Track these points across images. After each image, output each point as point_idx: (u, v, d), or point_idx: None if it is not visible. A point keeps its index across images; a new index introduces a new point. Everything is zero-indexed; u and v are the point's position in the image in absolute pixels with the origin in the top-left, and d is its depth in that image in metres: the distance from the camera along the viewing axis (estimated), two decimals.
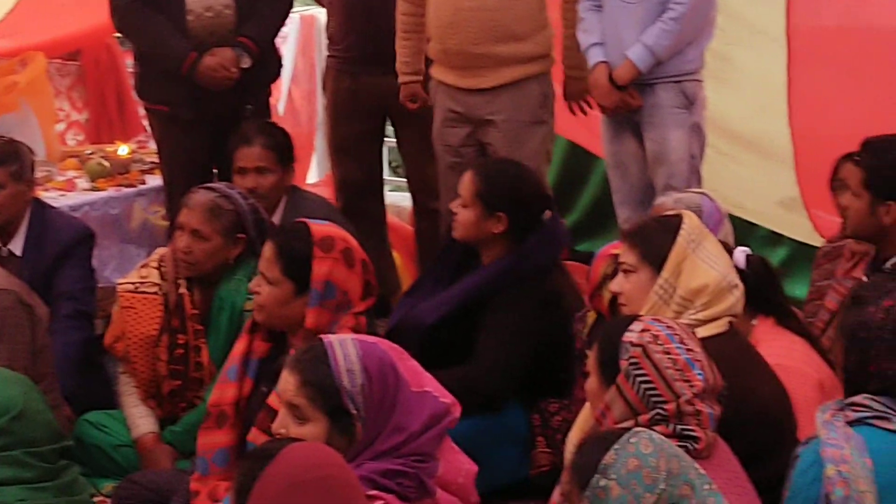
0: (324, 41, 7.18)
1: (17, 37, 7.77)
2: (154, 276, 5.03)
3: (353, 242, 4.29)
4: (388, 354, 3.40)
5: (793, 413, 3.93)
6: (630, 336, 3.40)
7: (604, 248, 4.90)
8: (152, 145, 6.84)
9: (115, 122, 7.94)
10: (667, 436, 3.14)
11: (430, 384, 3.49)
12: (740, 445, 3.49)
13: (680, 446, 3.11)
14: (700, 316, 3.87)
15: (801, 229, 6.74)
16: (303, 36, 8.51)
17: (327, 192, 7.04)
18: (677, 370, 3.35)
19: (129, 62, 7.58)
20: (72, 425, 5.00)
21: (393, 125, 6.71)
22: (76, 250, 5.44)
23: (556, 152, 7.73)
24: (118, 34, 7.46)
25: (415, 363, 3.52)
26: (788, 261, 6.94)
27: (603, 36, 5.87)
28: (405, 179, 6.92)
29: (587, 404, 3.62)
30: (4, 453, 4.19)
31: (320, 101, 8.29)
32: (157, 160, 6.62)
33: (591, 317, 4.87)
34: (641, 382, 3.35)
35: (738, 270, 4.11)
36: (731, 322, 3.94)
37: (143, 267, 5.11)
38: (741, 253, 4.37)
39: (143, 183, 6.64)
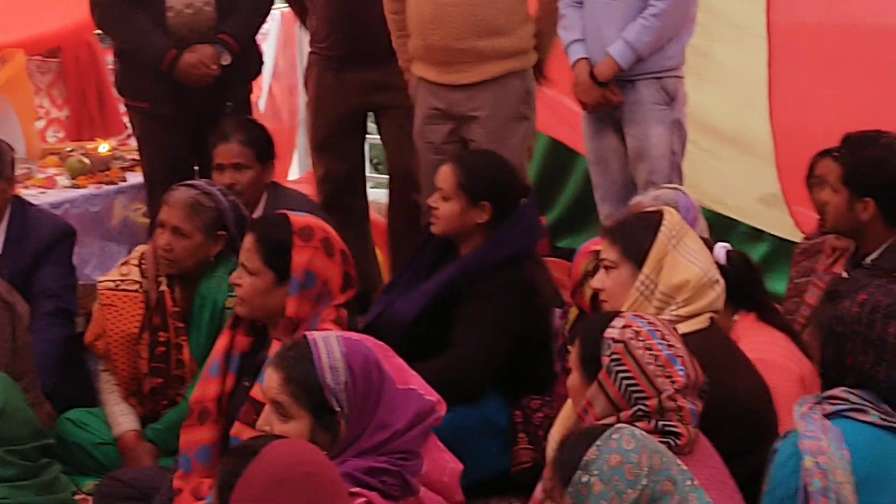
0: (305, 38, 7.17)
1: None
2: (135, 274, 5.02)
3: (333, 233, 4.32)
4: (373, 352, 3.40)
5: (774, 408, 3.94)
6: (612, 332, 3.41)
7: (585, 245, 4.91)
8: (133, 142, 6.82)
9: (96, 119, 7.91)
10: (649, 432, 3.15)
11: (415, 382, 3.50)
12: (722, 441, 3.50)
13: (662, 442, 3.12)
14: (681, 312, 3.88)
15: (781, 225, 6.76)
16: (284, 32, 8.48)
17: (309, 189, 7.03)
18: (659, 366, 3.36)
19: (109, 59, 7.55)
20: (53, 423, 4.99)
21: (375, 119, 6.71)
22: (57, 248, 5.42)
23: (538, 149, 7.73)
24: (98, 31, 7.44)
25: (400, 360, 3.53)
26: (769, 257, 6.96)
27: (584, 32, 5.88)
28: (387, 176, 6.91)
29: (569, 400, 3.63)
30: None
31: (302, 98, 8.27)
32: (137, 157, 6.60)
33: (573, 313, 4.88)
34: (623, 378, 3.36)
35: (719, 266, 4.12)
36: (712, 318, 3.95)
37: (123, 264, 5.10)
38: (722, 249, 4.38)
39: (124, 180, 6.62)
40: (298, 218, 4.31)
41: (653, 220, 3.99)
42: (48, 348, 5.13)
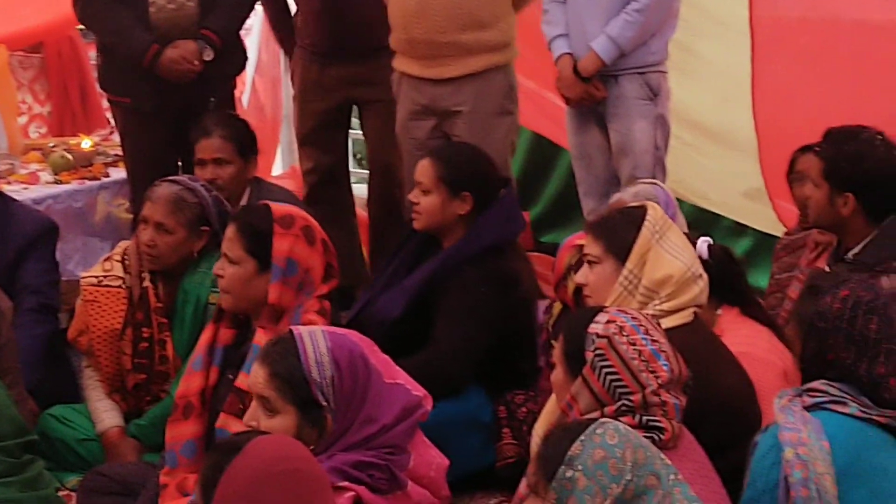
0: None
1: None
2: (118, 270, 5.01)
3: (314, 222, 4.34)
4: (359, 346, 3.40)
5: (757, 402, 3.95)
6: (595, 327, 3.41)
7: (568, 239, 4.92)
8: (116, 138, 6.81)
9: (78, 114, 7.90)
10: (633, 426, 3.15)
11: (401, 377, 3.50)
12: (706, 435, 3.50)
13: (646, 437, 3.12)
14: (665, 307, 3.89)
15: (764, 220, 6.77)
16: (267, 28, 8.47)
17: (292, 185, 7.04)
18: (643, 361, 3.36)
19: (92, 54, 7.54)
20: (36, 420, 4.98)
21: (358, 112, 6.71)
22: (39, 244, 5.40)
23: (521, 143, 7.75)
24: (81, 26, 7.42)
25: (386, 357, 3.53)
26: (752, 251, 6.97)
27: (567, 28, 5.89)
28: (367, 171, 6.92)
29: (553, 396, 3.63)
30: None
31: (285, 93, 8.27)
32: (120, 153, 6.60)
33: (556, 307, 4.89)
34: (607, 373, 3.36)
35: (702, 261, 4.12)
36: (695, 313, 3.95)
37: (106, 260, 5.09)
38: (704, 243, 4.39)
39: (107, 176, 6.61)
40: (279, 207, 4.35)
41: (636, 215, 3.99)
42: (31, 344, 5.11)
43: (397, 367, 3.53)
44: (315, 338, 3.34)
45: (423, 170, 5.03)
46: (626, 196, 5.00)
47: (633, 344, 3.38)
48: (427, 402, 3.49)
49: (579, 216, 6.34)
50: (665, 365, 3.38)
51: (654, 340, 3.40)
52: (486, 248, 4.90)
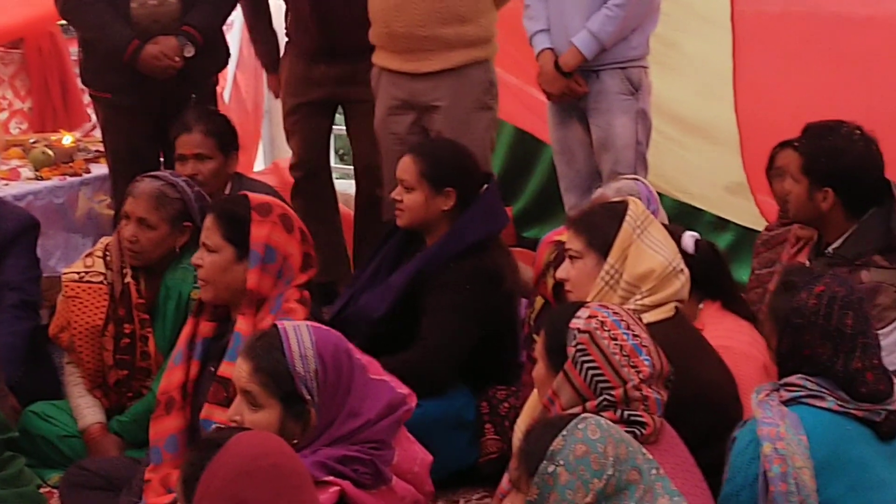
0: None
1: None
2: (99, 266, 5.00)
3: (291, 212, 4.38)
4: (344, 341, 3.42)
5: (738, 397, 3.96)
6: (577, 322, 3.41)
7: (547, 235, 4.93)
8: (97, 134, 6.79)
9: (59, 110, 7.87)
10: (614, 421, 3.16)
11: (386, 375, 3.50)
12: (687, 430, 3.51)
13: (627, 432, 3.13)
14: (646, 301, 3.89)
15: (746, 214, 6.78)
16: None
17: (274, 180, 7.03)
18: (624, 356, 3.37)
19: (73, 50, 7.51)
20: (17, 416, 4.97)
21: (343, 111, 6.71)
22: (20, 240, 5.39)
23: (504, 138, 7.76)
24: (62, 22, 7.40)
25: (369, 357, 3.53)
26: (734, 246, 6.99)
27: (548, 23, 5.89)
28: (351, 166, 6.92)
29: (535, 391, 3.63)
30: None
31: (267, 89, 8.25)
32: (101, 149, 6.58)
33: (538, 302, 4.88)
34: (589, 368, 3.37)
35: (688, 255, 4.13)
36: (677, 307, 3.96)
37: (87, 256, 5.08)
38: (690, 237, 4.40)
39: (88, 172, 6.60)
40: (256, 196, 4.38)
41: (617, 210, 4.00)
42: (12, 341, 5.11)
43: (380, 367, 3.54)
44: (300, 332, 3.34)
45: (406, 167, 5.02)
46: (609, 191, 5.00)
47: (615, 339, 3.38)
48: (411, 399, 3.50)
49: (561, 211, 6.34)
50: (646, 360, 3.38)
51: (635, 335, 3.41)
52: (471, 245, 4.90)
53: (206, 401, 4.13)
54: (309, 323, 3.44)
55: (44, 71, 7.85)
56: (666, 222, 4.90)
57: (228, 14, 6.39)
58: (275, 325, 3.39)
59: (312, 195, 6.56)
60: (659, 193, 5.22)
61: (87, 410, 4.97)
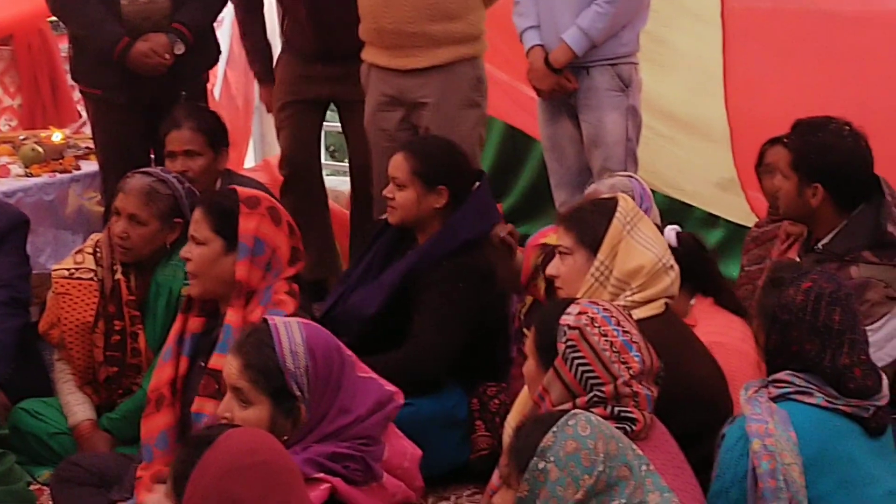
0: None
1: None
2: (89, 262, 4.99)
3: (279, 206, 4.38)
4: (334, 337, 3.41)
5: (729, 393, 3.96)
6: (567, 319, 3.42)
7: (532, 239, 4.94)
8: (87, 130, 6.78)
9: (49, 107, 7.86)
10: (605, 417, 3.16)
11: (371, 372, 3.51)
12: (677, 426, 3.52)
13: (618, 428, 3.13)
14: (636, 297, 3.89)
15: (738, 210, 6.79)
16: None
17: (265, 177, 7.02)
18: (614, 352, 3.37)
19: (63, 47, 7.50)
20: (7, 413, 4.97)
21: (338, 110, 6.72)
22: (10, 237, 5.36)
23: (494, 135, 7.76)
24: (52, 18, 7.39)
25: (353, 354, 3.53)
26: (724, 243, 7.00)
27: (538, 19, 5.89)
28: (342, 163, 6.92)
29: (525, 387, 3.64)
30: None
31: (257, 86, 8.25)
32: (91, 146, 6.58)
33: (529, 298, 4.88)
34: (579, 365, 3.37)
35: (671, 248, 4.13)
36: (667, 303, 3.96)
37: (77, 253, 5.07)
38: (671, 231, 4.41)
39: (78, 169, 6.58)
40: (244, 189, 4.40)
41: (607, 207, 4.00)
42: (2, 338, 5.09)
43: (364, 365, 3.54)
44: (290, 328, 3.35)
45: (398, 164, 5.02)
46: (602, 188, 5.00)
47: (605, 335, 3.38)
48: (398, 396, 3.50)
49: (551, 208, 6.34)
50: (636, 356, 3.38)
51: (625, 332, 3.41)
52: (463, 243, 4.90)
53: (197, 394, 4.14)
54: (299, 319, 3.44)
55: (33, 68, 7.83)
56: (658, 221, 4.91)
57: (219, 12, 6.38)
58: (265, 322, 3.39)
59: (302, 192, 6.56)
60: (650, 190, 5.22)
61: (77, 407, 4.96)
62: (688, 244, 4.42)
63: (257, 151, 8.75)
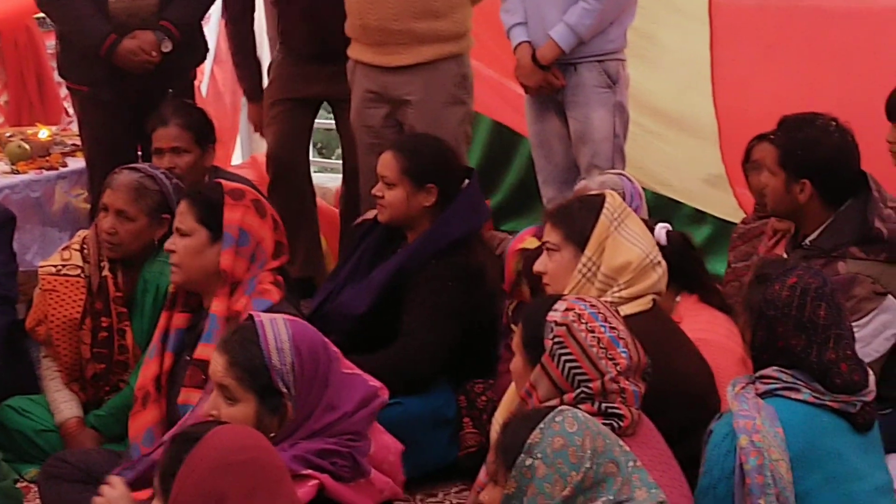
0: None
1: None
2: (76, 259, 4.98)
3: (264, 199, 4.42)
4: (319, 334, 3.41)
5: (716, 389, 3.97)
6: (554, 315, 3.42)
7: (511, 245, 4.93)
8: (74, 127, 6.77)
9: (36, 104, 7.85)
10: (592, 414, 3.16)
11: (356, 369, 3.50)
12: (665, 422, 3.52)
13: (605, 424, 3.13)
14: (624, 294, 3.89)
15: (725, 206, 6.79)
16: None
17: (252, 174, 7.01)
18: (602, 348, 3.37)
19: (49, 44, 7.49)
20: None
21: (332, 110, 6.72)
22: None
23: (482, 132, 7.76)
24: (38, 15, 7.37)
25: (338, 351, 3.53)
26: (711, 239, 7.01)
27: (525, 16, 5.89)
28: (329, 160, 6.92)
29: (513, 383, 3.63)
30: None
31: None
32: (78, 143, 6.57)
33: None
34: (566, 361, 3.37)
35: (660, 246, 4.13)
36: (654, 300, 3.96)
37: (65, 249, 5.06)
38: (662, 229, 4.41)
39: (65, 166, 6.57)
40: (229, 183, 4.45)
41: (595, 203, 4.00)
42: None
43: (348, 361, 3.54)
44: (276, 325, 3.34)
45: (386, 163, 5.01)
46: (592, 185, 5.01)
47: (592, 331, 3.38)
48: (383, 391, 3.50)
49: (539, 204, 6.34)
50: (624, 352, 3.38)
51: (612, 328, 3.41)
52: (453, 242, 4.90)
53: (183, 385, 4.15)
54: (285, 316, 3.44)
55: (20, 65, 7.82)
56: (646, 217, 4.92)
57: (207, 9, 6.37)
58: (251, 318, 3.38)
59: (289, 190, 6.55)
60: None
61: (64, 405, 4.95)
62: (677, 242, 4.42)
63: (244, 148, 8.75)
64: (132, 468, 3.71)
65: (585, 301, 3.47)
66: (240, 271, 4.27)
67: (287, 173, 6.59)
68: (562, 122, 5.96)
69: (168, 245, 4.39)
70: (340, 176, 6.97)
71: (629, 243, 3.93)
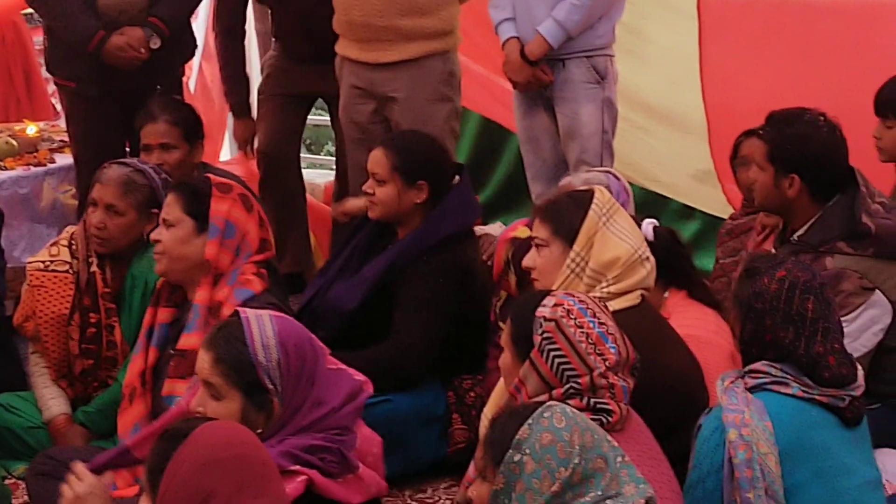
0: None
1: None
2: (65, 255, 4.97)
3: (251, 196, 4.46)
4: (306, 330, 3.40)
5: (705, 385, 3.97)
6: (543, 311, 3.41)
7: (502, 234, 4.93)
8: (61, 124, 6.76)
9: (23, 100, 7.84)
10: (581, 409, 3.17)
11: (341, 364, 3.50)
12: (654, 418, 3.52)
13: (594, 419, 3.13)
14: (612, 289, 3.90)
15: (714, 202, 6.80)
16: (214, 12, 8.43)
17: (241, 170, 7.00)
18: (590, 344, 3.37)
19: (37, 39, 7.48)
20: None
21: (328, 107, 6.72)
22: None
23: (471, 128, 7.76)
24: (26, 11, 7.36)
25: (323, 346, 3.53)
26: (700, 235, 7.01)
27: (514, 11, 5.89)
28: (318, 156, 6.92)
29: (501, 379, 3.63)
30: None
31: None
32: (66, 139, 6.56)
33: (504, 292, 4.88)
34: (555, 357, 3.37)
35: (647, 242, 4.14)
36: (643, 295, 3.96)
37: (53, 245, 5.05)
38: (649, 225, 4.41)
39: (53, 162, 6.57)
40: (217, 177, 4.47)
41: (583, 198, 4.00)
42: None
43: (332, 357, 3.54)
44: (262, 321, 3.33)
45: (377, 160, 5.00)
46: (576, 181, 5.01)
47: (581, 327, 3.38)
48: (368, 385, 3.50)
49: (528, 200, 6.35)
50: (613, 347, 3.39)
51: (601, 323, 3.41)
52: (444, 238, 4.90)
53: (167, 376, 4.16)
54: (271, 312, 3.43)
55: (7, 61, 7.81)
56: (633, 214, 4.92)
57: (196, 6, 6.37)
58: (237, 315, 3.37)
59: (281, 185, 6.55)
60: (627, 182, 5.23)
61: (52, 401, 4.94)
62: (664, 238, 4.43)
63: (233, 144, 8.72)
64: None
65: (574, 296, 3.47)
66: (224, 263, 4.30)
67: (278, 169, 6.59)
68: (550, 117, 5.96)
69: (154, 235, 4.40)
70: (329, 172, 6.97)
71: (618, 238, 3.94)
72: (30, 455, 4.79)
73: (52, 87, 7.28)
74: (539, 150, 6.06)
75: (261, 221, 4.40)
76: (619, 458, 2.96)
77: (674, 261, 4.42)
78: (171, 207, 4.39)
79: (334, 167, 6.91)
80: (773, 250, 4.56)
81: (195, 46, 6.47)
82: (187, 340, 4.17)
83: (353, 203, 5.45)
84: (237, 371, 3.26)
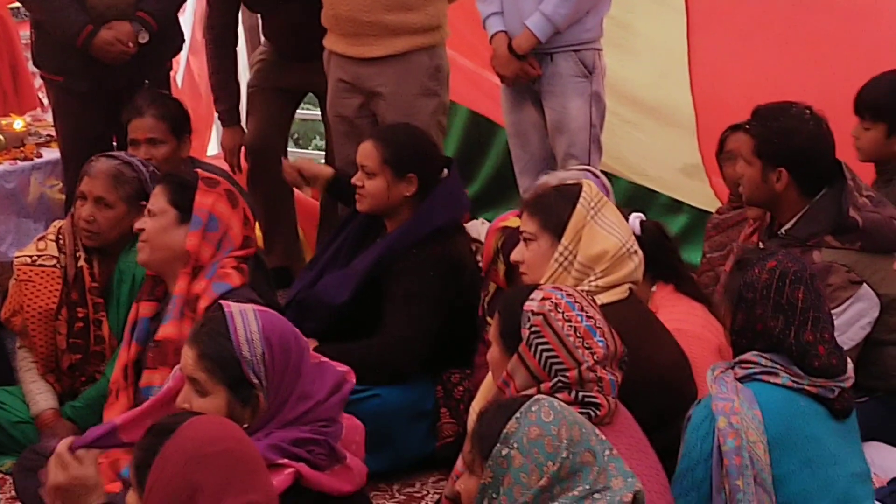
0: None
1: None
2: (52, 249, 4.96)
3: (238, 193, 4.47)
4: (290, 324, 3.39)
5: (693, 378, 3.97)
6: (531, 305, 3.41)
7: (493, 223, 4.93)
8: (48, 118, 6.74)
9: (10, 94, 7.81)
10: (569, 403, 3.16)
11: (322, 357, 3.51)
12: (642, 411, 3.52)
13: (582, 413, 3.13)
14: (600, 283, 3.90)
15: (702, 196, 6.81)
16: (201, 7, 8.42)
17: (228, 166, 7.00)
18: (578, 337, 3.37)
19: (24, 34, 7.46)
20: None
21: (319, 102, 6.72)
22: None
23: (458, 122, 7.76)
24: (13, 5, 7.34)
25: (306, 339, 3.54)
26: (687, 228, 7.02)
27: (502, 5, 5.88)
28: (306, 151, 6.91)
29: (490, 373, 3.63)
30: None
31: None
32: (52, 133, 6.55)
33: (493, 285, 4.88)
34: (543, 350, 3.37)
35: (634, 236, 4.14)
36: (631, 289, 3.96)
37: (40, 240, 5.04)
38: (635, 219, 4.41)
39: (40, 156, 6.56)
40: (205, 173, 4.50)
41: (571, 192, 4.00)
42: None
43: (313, 352, 3.54)
44: (246, 316, 3.33)
45: (367, 153, 5.00)
46: (553, 181, 5.00)
47: (569, 321, 3.38)
48: (351, 376, 3.50)
49: (516, 194, 6.34)
50: (601, 341, 3.39)
51: (589, 317, 3.41)
52: (434, 231, 4.90)
53: (145, 367, 4.17)
54: (255, 306, 3.42)
55: None
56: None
57: (184, 1, 6.36)
58: (220, 309, 3.36)
59: (269, 180, 6.53)
60: (614, 176, 5.23)
61: (40, 396, 4.94)
62: (651, 232, 4.43)
63: (220, 138, 8.72)
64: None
65: (562, 290, 3.47)
66: (205, 256, 4.32)
67: (266, 163, 6.58)
68: (538, 111, 5.96)
69: (137, 224, 4.43)
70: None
71: (606, 232, 3.94)
72: (17, 450, 4.79)
73: (38, 82, 7.27)
74: (527, 145, 6.06)
75: (246, 219, 4.41)
76: (608, 452, 2.96)
77: (661, 255, 4.42)
78: (157, 198, 4.41)
79: (323, 161, 6.90)
80: (761, 244, 4.57)
81: (182, 40, 6.46)
82: (164, 331, 4.23)
83: (305, 162, 5.48)
84: (221, 366, 3.25)
